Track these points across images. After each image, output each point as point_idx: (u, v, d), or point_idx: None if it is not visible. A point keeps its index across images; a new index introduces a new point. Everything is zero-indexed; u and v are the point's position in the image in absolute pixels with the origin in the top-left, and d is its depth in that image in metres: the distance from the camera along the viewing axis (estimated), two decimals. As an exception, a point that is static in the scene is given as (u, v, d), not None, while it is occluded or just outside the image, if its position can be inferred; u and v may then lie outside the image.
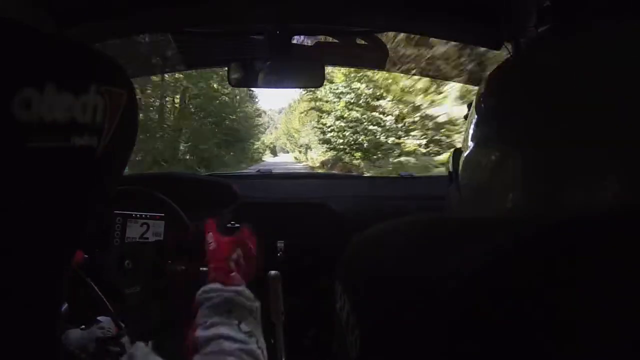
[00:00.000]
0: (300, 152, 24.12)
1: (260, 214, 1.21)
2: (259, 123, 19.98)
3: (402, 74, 8.12)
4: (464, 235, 0.25)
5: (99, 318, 0.57)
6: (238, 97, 14.51)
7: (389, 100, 9.56)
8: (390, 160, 8.90)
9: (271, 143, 38.93)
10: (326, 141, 12.04)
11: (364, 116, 10.22)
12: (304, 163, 19.89)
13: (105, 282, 0.83)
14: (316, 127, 14.40)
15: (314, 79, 1.20)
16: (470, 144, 0.35)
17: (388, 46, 1.48)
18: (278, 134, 38.61)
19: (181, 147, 10.54)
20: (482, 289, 0.20)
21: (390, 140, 9.44)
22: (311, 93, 13.24)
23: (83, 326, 0.54)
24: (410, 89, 8.55)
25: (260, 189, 1.32)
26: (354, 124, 10.49)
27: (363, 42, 1.30)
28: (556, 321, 0.19)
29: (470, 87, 5.86)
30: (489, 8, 0.88)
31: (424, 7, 0.93)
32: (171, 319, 0.82)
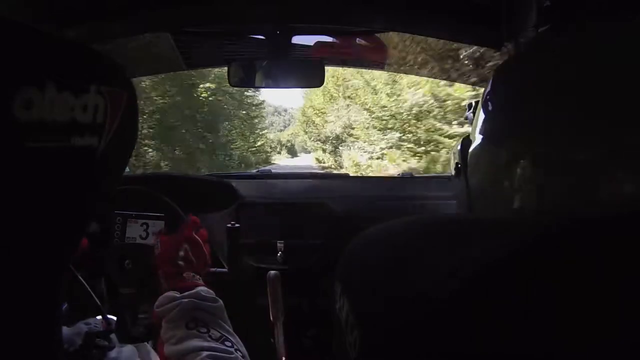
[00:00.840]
0: (324, 149, 14.00)
1: (260, 214, 1.22)
2: (256, 115, 13.71)
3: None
4: (464, 236, 0.25)
5: (88, 320, 0.56)
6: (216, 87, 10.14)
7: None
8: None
9: (288, 140, 32.28)
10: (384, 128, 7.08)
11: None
12: (331, 168, 12.02)
13: (101, 277, 0.83)
14: (358, 104, 9.01)
15: (314, 79, 1.20)
16: (477, 141, 0.35)
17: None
18: (296, 130, 27.20)
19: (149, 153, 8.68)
20: (483, 289, 0.20)
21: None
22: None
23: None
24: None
25: (260, 189, 1.32)
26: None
27: (363, 42, 1.30)
28: (558, 322, 0.19)
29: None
30: (490, 8, 0.88)
31: (424, 7, 0.93)
32: None
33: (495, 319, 0.20)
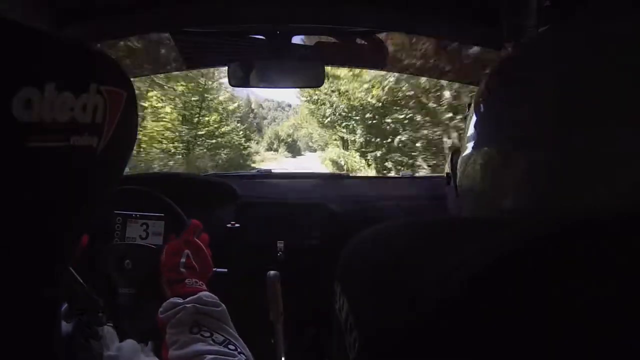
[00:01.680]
0: (353, 141, 8.91)
1: (260, 214, 1.22)
2: (230, 107, 9.71)
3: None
4: (464, 237, 0.25)
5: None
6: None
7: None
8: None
9: (288, 135, 25.88)
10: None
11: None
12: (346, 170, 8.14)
13: (100, 275, 0.83)
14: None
15: (314, 79, 1.20)
16: (470, 144, 0.35)
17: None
18: (300, 120, 19.93)
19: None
20: (483, 290, 0.20)
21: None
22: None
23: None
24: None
25: (260, 189, 1.32)
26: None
27: (363, 42, 1.30)
28: (557, 323, 0.19)
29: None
30: (489, 8, 0.88)
31: (424, 7, 0.93)
32: None
33: (495, 320, 0.20)
